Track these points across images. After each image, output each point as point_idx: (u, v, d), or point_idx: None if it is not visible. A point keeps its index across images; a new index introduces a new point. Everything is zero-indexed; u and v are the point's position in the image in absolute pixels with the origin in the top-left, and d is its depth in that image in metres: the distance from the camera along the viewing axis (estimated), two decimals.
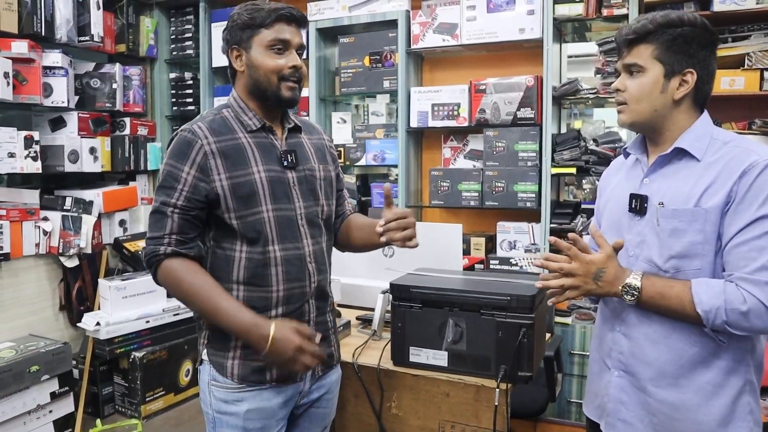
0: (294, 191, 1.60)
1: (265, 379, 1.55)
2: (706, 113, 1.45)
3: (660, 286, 1.36)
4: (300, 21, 1.60)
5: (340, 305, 2.32)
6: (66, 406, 3.04)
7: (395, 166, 3.60)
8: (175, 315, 3.42)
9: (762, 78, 2.70)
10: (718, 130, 1.43)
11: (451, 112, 3.37)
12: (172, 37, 4.12)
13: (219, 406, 1.56)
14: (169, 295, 3.42)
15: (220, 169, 1.51)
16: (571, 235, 1.41)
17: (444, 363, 1.78)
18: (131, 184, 3.88)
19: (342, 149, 3.68)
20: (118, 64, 3.64)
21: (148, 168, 3.94)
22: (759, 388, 1.43)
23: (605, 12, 3.00)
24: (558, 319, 3.06)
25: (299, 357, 1.45)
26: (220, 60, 3.92)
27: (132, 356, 3.26)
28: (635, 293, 1.37)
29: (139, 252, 3.56)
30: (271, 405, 1.57)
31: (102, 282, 3.29)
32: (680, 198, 1.38)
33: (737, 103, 2.88)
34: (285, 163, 1.59)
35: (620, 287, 1.38)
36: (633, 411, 1.47)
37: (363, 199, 3.78)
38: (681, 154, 1.42)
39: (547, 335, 2.34)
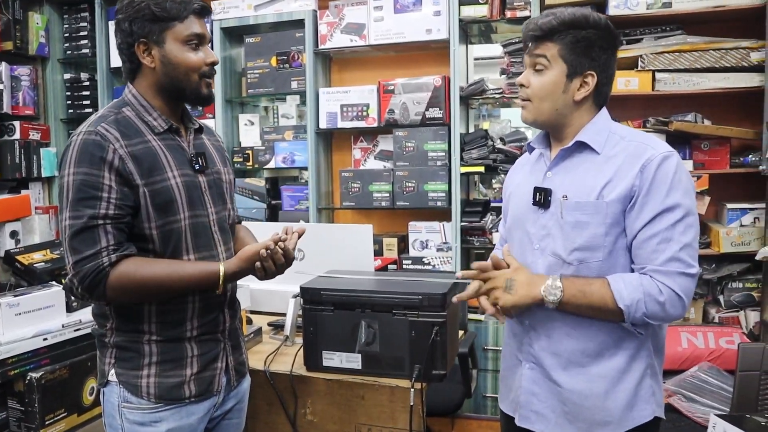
0: (206, 196, 1.52)
1: (183, 395, 1.47)
2: (604, 110, 1.49)
3: (580, 284, 1.38)
4: (208, 13, 1.53)
5: (251, 312, 2.25)
6: None
7: (305, 168, 3.56)
8: (76, 330, 3.20)
9: (654, 79, 2.85)
10: (616, 126, 1.48)
11: (360, 113, 3.36)
12: (66, 35, 3.89)
13: (133, 429, 1.45)
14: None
15: (137, 174, 1.39)
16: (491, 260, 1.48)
17: (358, 365, 1.76)
18: (23, 192, 3.64)
19: (250, 152, 3.60)
20: (4, 63, 3.41)
21: (43, 174, 3.71)
22: (661, 371, 1.49)
23: (509, 14, 3.08)
24: (472, 316, 3.11)
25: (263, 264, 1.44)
26: (118, 60, 3.72)
27: (28, 377, 3.03)
28: (557, 293, 1.37)
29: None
30: (191, 421, 1.49)
31: None
32: (582, 191, 1.41)
33: (632, 102, 3.02)
34: (196, 167, 1.51)
35: (541, 289, 1.39)
36: (545, 402, 1.49)
37: (273, 202, 3.70)
38: (582, 147, 1.46)
39: (461, 332, 2.37)
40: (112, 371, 1.47)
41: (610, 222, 1.38)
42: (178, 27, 1.45)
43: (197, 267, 1.45)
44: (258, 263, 1.43)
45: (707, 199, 2.84)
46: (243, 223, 1.81)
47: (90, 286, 1.35)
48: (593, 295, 1.36)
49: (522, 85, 1.48)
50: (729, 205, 2.86)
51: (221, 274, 1.42)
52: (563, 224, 1.42)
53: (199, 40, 1.48)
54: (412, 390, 1.66)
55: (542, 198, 1.47)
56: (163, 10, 1.43)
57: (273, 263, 1.44)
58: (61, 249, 3.31)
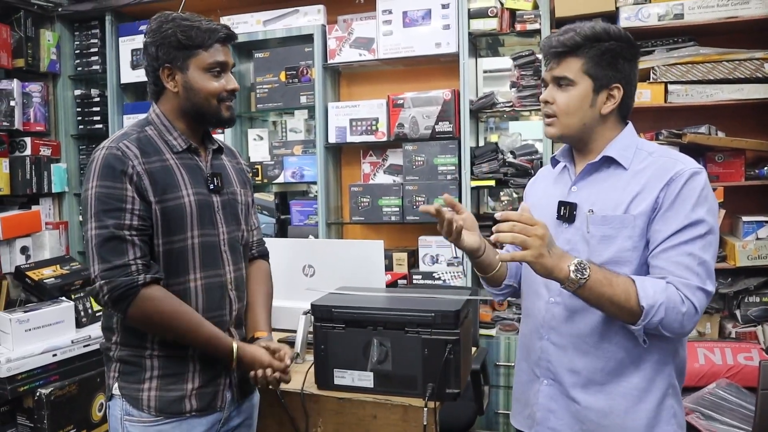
0: (218, 216, 1.54)
1: (184, 408, 1.47)
2: (630, 125, 1.48)
3: (607, 272, 1.31)
4: (233, 40, 1.56)
5: None
6: None
7: (314, 183, 3.55)
8: (85, 346, 3.20)
9: (666, 91, 2.83)
10: (643, 141, 1.47)
11: (369, 127, 3.34)
12: (77, 51, 3.91)
13: None
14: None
15: (152, 191, 1.43)
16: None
17: (370, 384, 1.73)
18: (34, 208, 3.64)
19: (259, 167, 3.59)
20: (15, 80, 3.42)
21: (53, 190, 3.71)
22: (681, 392, 1.46)
23: (518, 27, 3.07)
24: (483, 331, 3.08)
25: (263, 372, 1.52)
26: (128, 76, 3.76)
27: (38, 393, 3.02)
28: (585, 272, 1.27)
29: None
30: None
31: (1, 315, 3.04)
32: (609, 205, 1.40)
33: (645, 114, 2.99)
34: (211, 186, 1.54)
35: (567, 264, 1.28)
36: (562, 419, 1.47)
37: (282, 217, 3.69)
38: (609, 162, 1.44)
39: (473, 349, 2.33)
40: (116, 385, 1.49)
41: (637, 236, 1.36)
42: (203, 55, 1.48)
43: (214, 333, 1.48)
44: (252, 373, 1.52)
45: (722, 212, 2.80)
46: (265, 246, 1.80)
47: (119, 297, 1.38)
48: (618, 287, 1.29)
49: (546, 102, 1.45)
50: (744, 218, 2.82)
51: (234, 353, 1.49)
52: (589, 238, 1.41)
53: (221, 68, 1.51)
54: (426, 409, 1.63)
55: (567, 212, 1.45)
56: (189, 39, 1.46)
57: (266, 382, 1.53)
58: (72, 264, 3.33)
